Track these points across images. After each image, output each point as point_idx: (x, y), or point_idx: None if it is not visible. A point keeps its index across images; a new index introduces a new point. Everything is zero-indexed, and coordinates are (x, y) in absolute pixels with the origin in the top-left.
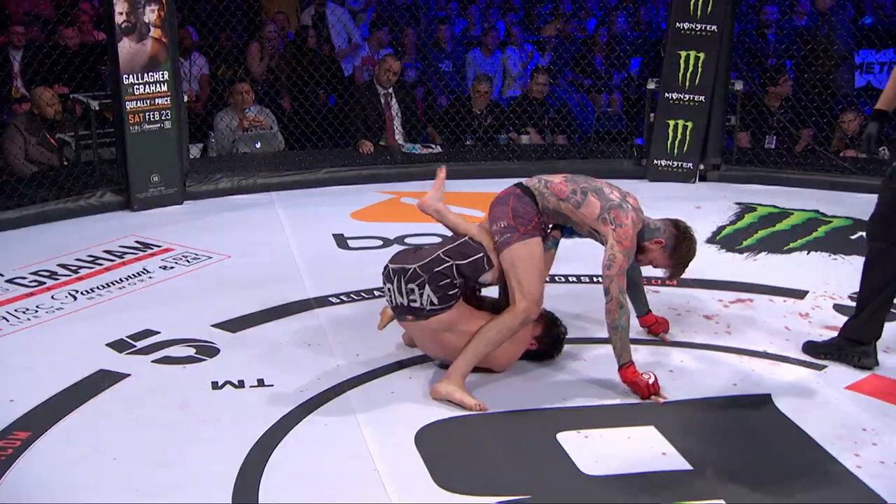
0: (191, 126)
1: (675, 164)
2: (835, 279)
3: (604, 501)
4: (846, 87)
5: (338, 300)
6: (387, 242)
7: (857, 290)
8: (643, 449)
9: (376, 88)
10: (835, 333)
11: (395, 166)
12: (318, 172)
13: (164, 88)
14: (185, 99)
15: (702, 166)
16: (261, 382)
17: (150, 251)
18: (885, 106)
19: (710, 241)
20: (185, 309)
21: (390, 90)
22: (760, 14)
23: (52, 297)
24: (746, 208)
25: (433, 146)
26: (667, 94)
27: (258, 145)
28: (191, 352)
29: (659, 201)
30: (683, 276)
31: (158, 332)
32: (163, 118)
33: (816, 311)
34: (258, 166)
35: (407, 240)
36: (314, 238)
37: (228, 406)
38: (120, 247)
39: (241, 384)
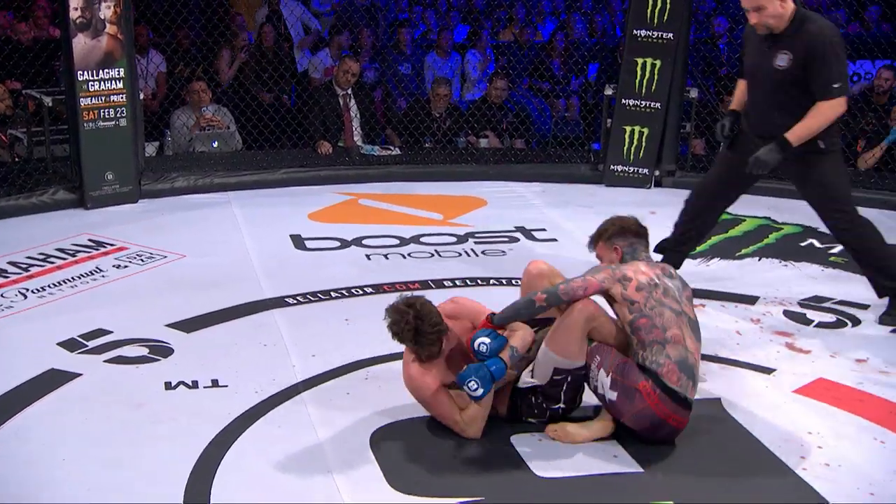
0: (147, 124)
1: (632, 169)
2: (785, 285)
3: (556, 503)
4: None
5: (294, 301)
6: (344, 244)
7: (807, 296)
8: (595, 452)
9: (335, 90)
10: (785, 339)
11: (354, 167)
12: (276, 173)
13: (120, 86)
14: (142, 97)
15: (657, 172)
16: (215, 383)
17: (103, 250)
18: (737, 107)
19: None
20: (139, 308)
21: (349, 91)
22: (713, 24)
23: (2, 296)
24: None
25: (392, 148)
26: (624, 101)
27: (215, 144)
28: (144, 351)
29: (615, 206)
30: None
31: (111, 332)
32: (118, 115)
33: (767, 317)
34: (215, 166)
35: (365, 241)
36: (271, 238)
37: (182, 406)
38: (72, 245)
39: (194, 384)
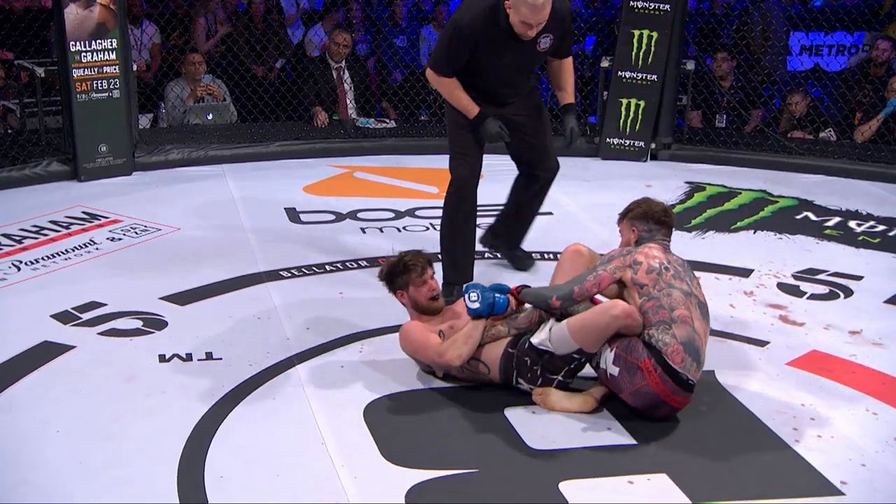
0: (141, 96)
1: (628, 142)
2: (779, 258)
3: (550, 475)
4: (779, 71)
5: (289, 274)
6: (339, 217)
7: (801, 268)
8: (588, 424)
9: (329, 62)
10: (778, 311)
11: (349, 140)
12: (271, 145)
13: (113, 56)
14: (135, 68)
15: (653, 145)
16: (209, 356)
17: (97, 222)
18: (572, 99)
19: None
20: (133, 281)
21: (343, 64)
22: None
23: None
24: (696, 187)
25: (387, 121)
26: (620, 73)
27: (210, 117)
28: (138, 324)
29: (611, 179)
30: None
31: (105, 304)
32: (111, 87)
33: (761, 290)
34: (210, 138)
35: (360, 214)
36: (266, 211)
37: (175, 379)
38: (66, 217)
39: (188, 357)
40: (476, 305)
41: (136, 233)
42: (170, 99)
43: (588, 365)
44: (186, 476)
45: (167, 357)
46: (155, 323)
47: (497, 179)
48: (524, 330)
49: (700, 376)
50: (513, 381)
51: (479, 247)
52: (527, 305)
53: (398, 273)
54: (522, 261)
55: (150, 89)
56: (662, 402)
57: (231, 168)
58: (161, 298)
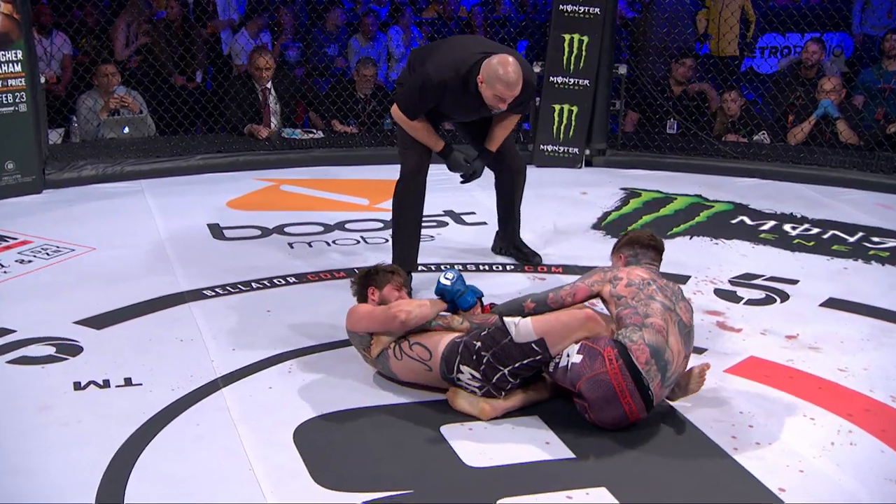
0: (51, 109)
1: (562, 149)
2: (716, 264)
3: (487, 493)
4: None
5: (213, 293)
6: (265, 232)
7: (737, 274)
8: (527, 439)
9: (253, 84)
10: (716, 318)
11: (274, 152)
12: (192, 159)
13: (18, 69)
14: (44, 80)
15: (587, 151)
16: (128, 381)
17: (4, 244)
18: (492, 149)
19: (596, 227)
20: (45, 305)
21: (269, 86)
22: None
23: None
24: (631, 193)
25: (315, 131)
26: (552, 78)
27: (126, 130)
28: (51, 351)
29: (545, 187)
30: (569, 263)
31: (14, 331)
32: (17, 100)
33: (698, 296)
34: (126, 152)
35: (287, 229)
36: (187, 228)
37: (92, 407)
38: None
39: (106, 384)
40: (447, 283)
41: (47, 254)
42: (82, 112)
43: (541, 373)
44: None
45: (83, 384)
46: (69, 349)
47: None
48: (477, 327)
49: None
50: (453, 369)
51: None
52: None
53: (381, 272)
54: (529, 257)
55: (60, 102)
56: (616, 398)
57: (150, 183)
58: (75, 322)
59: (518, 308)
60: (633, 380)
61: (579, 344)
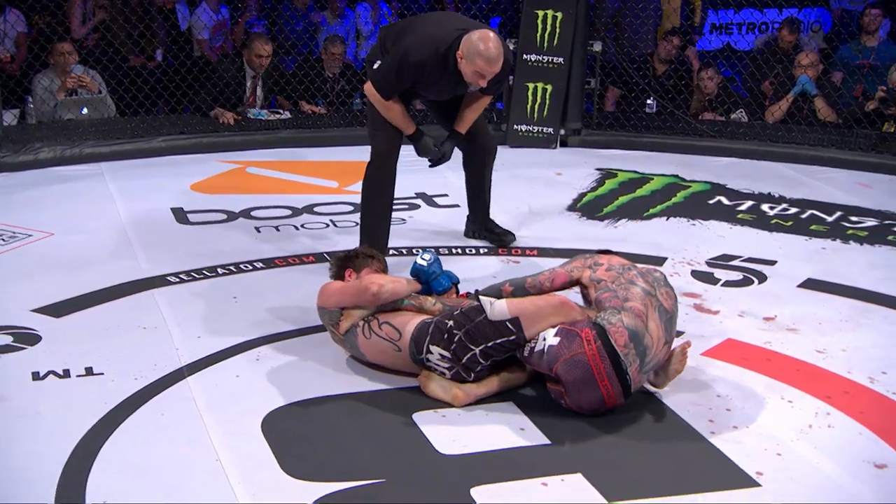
0: (4, 89)
1: (536, 129)
2: (693, 245)
3: (460, 481)
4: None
5: (177, 279)
6: (231, 216)
7: (715, 255)
8: (502, 425)
9: (245, 69)
10: (693, 300)
11: (240, 134)
12: (154, 141)
13: None
14: None
15: (562, 131)
16: (89, 371)
17: None
18: (462, 130)
19: (571, 208)
20: (1, 293)
21: (260, 73)
22: None
23: None
24: (607, 174)
25: (281, 112)
26: (525, 56)
27: (84, 111)
28: (7, 340)
29: (520, 168)
30: (544, 245)
31: None
32: None
33: (675, 278)
34: (85, 134)
35: (254, 213)
36: (150, 212)
37: (51, 398)
38: None
39: (66, 374)
40: (423, 264)
41: (2, 240)
42: (38, 92)
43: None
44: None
45: (42, 374)
46: (27, 338)
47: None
48: (450, 309)
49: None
50: (422, 350)
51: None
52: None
53: (361, 256)
54: (501, 237)
55: (14, 82)
56: (594, 379)
57: (110, 166)
58: (33, 311)
59: (496, 292)
60: (612, 363)
61: (556, 327)
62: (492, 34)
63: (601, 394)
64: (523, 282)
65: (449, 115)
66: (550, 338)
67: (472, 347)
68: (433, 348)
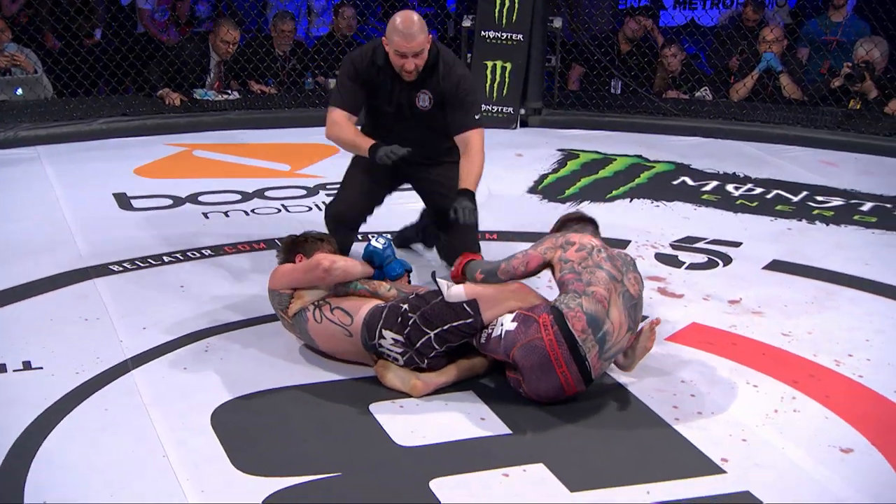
0: None
1: (495, 108)
2: (657, 227)
3: (419, 473)
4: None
5: (120, 268)
6: (178, 201)
7: (679, 237)
8: (461, 415)
9: (210, 55)
10: (657, 284)
11: (185, 115)
12: (94, 123)
13: None
14: None
15: (522, 111)
16: (27, 365)
17: None
18: (470, 186)
19: (532, 190)
20: None
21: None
22: None
23: None
24: (569, 155)
25: (230, 92)
26: (483, 33)
27: (19, 91)
28: None
29: None
30: (504, 229)
31: None
32: None
33: (638, 261)
34: (20, 116)
35: (201, 198)
36: (91, 198)
37: None
38: None
39: (2, 368)
40: (378, 246)
41: None
42: None
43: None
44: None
45: None
46: None
47: None
48: (404, 296)
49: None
50: (375, 335)
51: None
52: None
53: (310, 240)
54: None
55: None
56: (551, 365)
57: (48, 150)
58: None
59: (470, 277)
60: (569, 348)
61: (514, 312)
62: (411, 12)
63: (559, 380)
64: (496, 268)
65: (432, 184)
66: (507, 323)
67: (427, 331)
68: (386, 332)
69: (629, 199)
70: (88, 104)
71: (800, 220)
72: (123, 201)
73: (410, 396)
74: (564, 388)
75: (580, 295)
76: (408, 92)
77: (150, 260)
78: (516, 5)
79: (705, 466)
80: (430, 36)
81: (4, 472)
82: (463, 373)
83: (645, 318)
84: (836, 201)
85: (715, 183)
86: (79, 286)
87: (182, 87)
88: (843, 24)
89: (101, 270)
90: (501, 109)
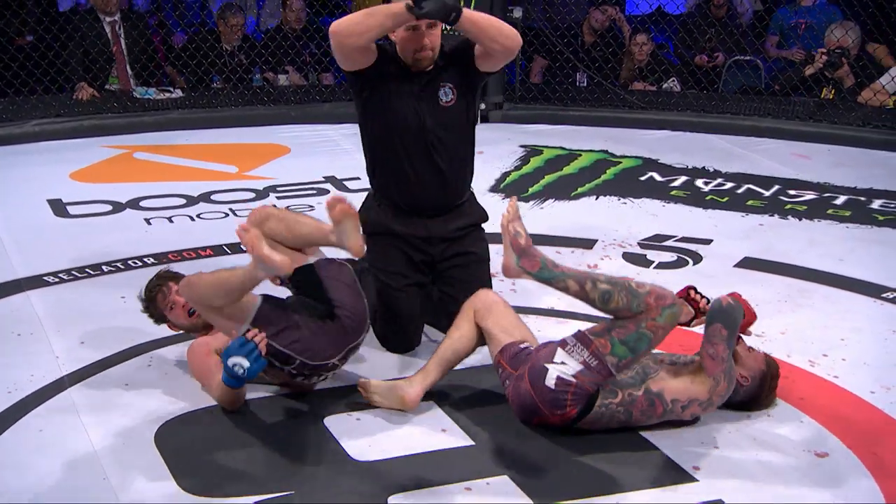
0: None
1: None
2: (624, 225)
3: (377, 490)
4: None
5: (55, 279)
6: (117, 207)
7: (647, 235)
8: (421, 427)
9: (98, 16)
10: None
11: (125, 115)
12: (26, 125)
13: None
14: None
15: (483, 106)
16: None
17: None
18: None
19: (494, 189)
20: None
21: (117, 18)
22: None
23: None
24: (532, 151)
25: (172, 90)
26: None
27: None
28: None
29: None
30: None
31: None
32: None
33: (605, 262)
34: None
35: (143, 203)
36: (23, 205)
37: None
38: None
39: None
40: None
41: None
42: None
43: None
44: None
45: None
46: None
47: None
48: None
49: None
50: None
51: None
52: None
53: (149, 309)
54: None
55: None
56: (535, 413)
57: None
58: None
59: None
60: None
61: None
62: None
63: (534, 422)
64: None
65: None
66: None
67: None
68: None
69: (595, 197)
70: (19, 105)
71: (772, 216)
72: (59, 208)
73: (370, 408)
74: (539, 422)
75: (624, 397)
76: (427, 89)
77: (87, 270)
78: None
79: (676, 475)
80: None
81: None
82: (446, 365)
83: None
84: (809, 195)
85: (684, 178)
86: (10, 299)
87: (92, 78)
88: (814, 8)
89: (35, 282)
90: None
